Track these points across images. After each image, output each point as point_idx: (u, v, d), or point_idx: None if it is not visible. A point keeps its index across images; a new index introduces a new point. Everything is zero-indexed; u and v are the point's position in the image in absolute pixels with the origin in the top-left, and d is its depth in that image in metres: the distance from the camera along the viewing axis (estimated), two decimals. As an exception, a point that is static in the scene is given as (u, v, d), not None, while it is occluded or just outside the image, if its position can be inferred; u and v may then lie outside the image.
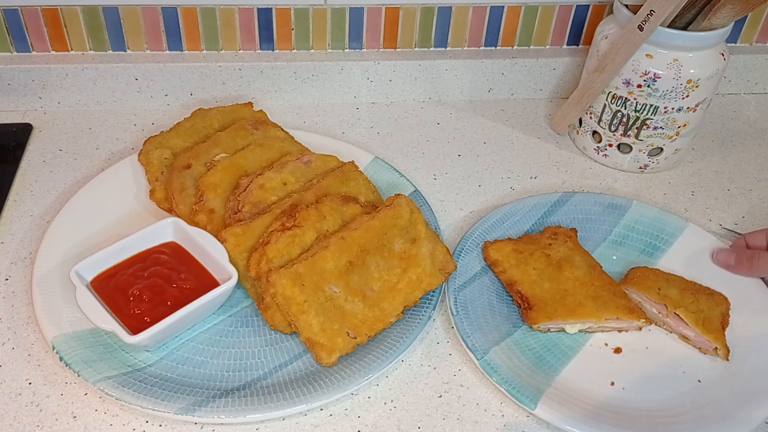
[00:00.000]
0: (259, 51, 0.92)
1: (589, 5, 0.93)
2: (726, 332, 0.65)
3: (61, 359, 0.58)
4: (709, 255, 0.73)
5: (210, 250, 0.64)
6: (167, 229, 0.67)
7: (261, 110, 0.84)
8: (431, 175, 0.84)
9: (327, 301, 0.60)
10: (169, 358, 0.60)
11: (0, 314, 0.64)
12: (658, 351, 0.65)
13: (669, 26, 0.77)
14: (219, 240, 0.65)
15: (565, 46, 0.97)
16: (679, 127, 0.82)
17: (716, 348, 0.64)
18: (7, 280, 0.67)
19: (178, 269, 0.64)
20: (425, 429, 0.58)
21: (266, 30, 0.90)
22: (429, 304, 0.65)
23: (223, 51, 0.91)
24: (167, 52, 0.90)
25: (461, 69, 0.94)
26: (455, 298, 0.66)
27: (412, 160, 0.86)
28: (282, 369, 0.60)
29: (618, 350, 0.65)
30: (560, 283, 0.67)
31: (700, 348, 0.65)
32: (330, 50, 0.93)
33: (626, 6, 0.79)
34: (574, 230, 0.73)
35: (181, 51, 0.90)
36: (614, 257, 0.73)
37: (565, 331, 0.65)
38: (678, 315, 0.65)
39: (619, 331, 0.66)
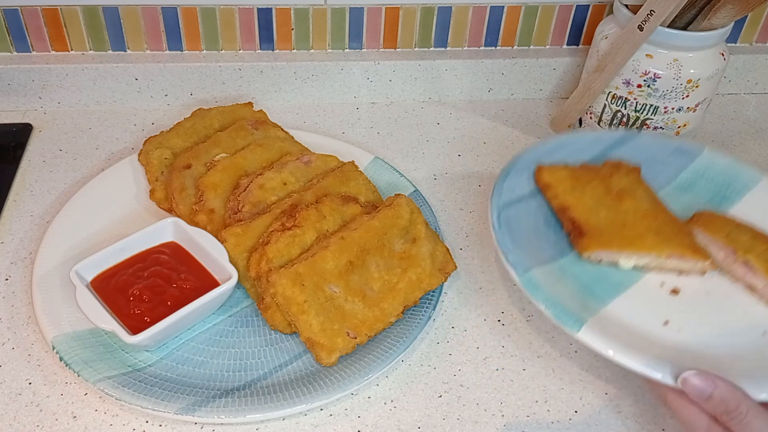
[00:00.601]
0: (259, 51, 0.92)
1: (589, 5, 0.93)
2: None
3: (61, 359, 0.58)
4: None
5: (210, 250, 0.64)
6: (167, 229, 0.67)
7: (261, 110, 0.84)
8: (431, 175, 0.84)
9: (327, 301, 0.60)
10: (169, 358, 0.60)
11: (0, 314, 0.64)
12: (721, 298, 0.60)
13: (669, 26, 0.77)
14: (219, 240, 0.65)
15: (565, 46, 0.97)
16: (679, 127, 0.82)
17: None
18: (7, 280, 0.67)
19: (178, 269, 0.64)
20: (425, 429, 0.58)
21: (266, 30, 0.90)
22: (429, 304, 0.65)
23: (223, 51, 0.91)
24: (167, 52, 0.90)
25: (461, 69, 0.94)
26: (498, 215, 0.61)
27: (412, 160, 0.86)
28: (282, 369, 0.60)
29: (675, 291, 0.60)
30: (619, 214, 0.62)
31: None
32: (330, 50, 0.93)
33: (626, 6, 0.79)
34: (638, 168, 0.68)
35: (181, 51, 0.90)
36: (679, 203, 0.68)
37: (618, 265, 0.61)
38: (748, 262, 0.60)
39: (679, 273, 0.61)
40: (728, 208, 0.69)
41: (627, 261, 0.60)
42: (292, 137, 0.81)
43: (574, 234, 0.60)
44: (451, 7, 0.90)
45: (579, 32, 0.95)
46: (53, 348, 0.59)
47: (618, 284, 0.59)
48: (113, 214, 0.73)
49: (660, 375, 0.51)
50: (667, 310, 0.58)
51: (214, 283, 0.63)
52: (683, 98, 0.79)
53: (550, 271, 0.58)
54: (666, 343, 0.55)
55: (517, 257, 0.57)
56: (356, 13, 0.89)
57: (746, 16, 0.97)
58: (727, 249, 0.62)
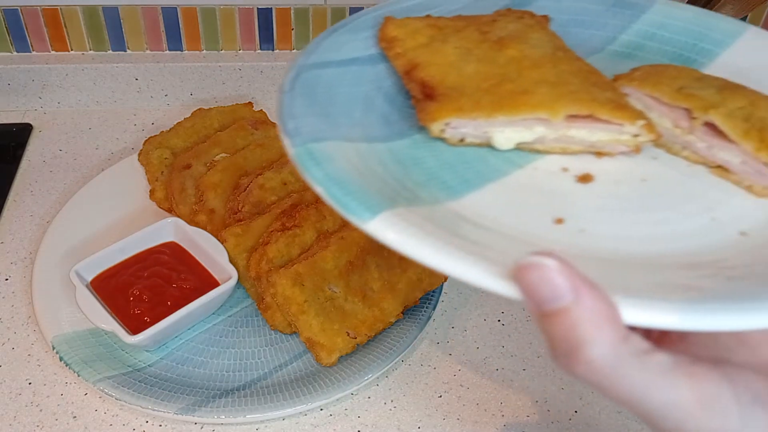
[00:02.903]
0: (259, 51, 0.92)
1: (589, 5, 0.92)
2: None
3: (61, 359, 0.58)
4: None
5: (210, 250, 0.64)
6: (167, 229, 0.67)
7: (261, 110, 0.84)
8: (431, 174, 0.84)
9: (327, 301, 0.60)
10: (169, 358, 0.60)
11: (0, 314, 0.64)
12: (668, 185, 0.39)
13: (669, 25, 0.76)
14: (219, 240, 0.65)
15: (565, 46, 0.97)
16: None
17: None
18: (7, 280, 0.67)
19: (178, 269, 0.64)
20: (425, 429, 0.58)
21: (266, 30, 0.90)
22: (429, 303, 0.65)
23: (223, 51, 0.91)
24: (167, 52, 0.90)
25: (461, 69, 0.93)
26: (296, 74, 0.40)
27: (413, 160, 0.86)
28: (282, 369, 0.60)
29: (586, 178, 0.39)
30: (496, 66, 0.41)
31: (750, 185, 0.39)
32: (330, 50, 0.93)
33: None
34: (545, 17, 0.47)
35: (181, 51, 0.90)
36: (615, 72, 0.44)
37: (491, 145, 0.39)
38: (711, 124, 0.39)
39: (597, 154, 0.40)
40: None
41: (503, 136, 0.39)
42: (292, 137, 0.80)
43: (421, 101, 0.40)
44: (451, 7, 0.90)
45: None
46: (53, 348, 0.59)
47: (488, 171, 0.39)
48: (113, 214, 0.73)
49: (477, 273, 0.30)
50: (565, 203, 0.37)
51: (214, 283, 0.63)
52: (683, 97, 0.78)
53: (365, 151, 0.38)
54: (554, 244, 0.34)
55: (302, 125, 0.36)
56: (356, 12, 0.89)
57: (746, 16, 0.97)
58: (677, 110, 0.40)
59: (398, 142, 0.40)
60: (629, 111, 0.39)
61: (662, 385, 0.30)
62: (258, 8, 0.87)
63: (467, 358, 0.63)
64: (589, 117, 0.39)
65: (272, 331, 0.63)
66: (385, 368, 0.59)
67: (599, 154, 0.40)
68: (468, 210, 0.36)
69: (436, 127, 0.39)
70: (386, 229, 0.32)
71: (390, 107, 0.42)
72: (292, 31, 0.90)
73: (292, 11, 0.88)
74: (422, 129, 0.41)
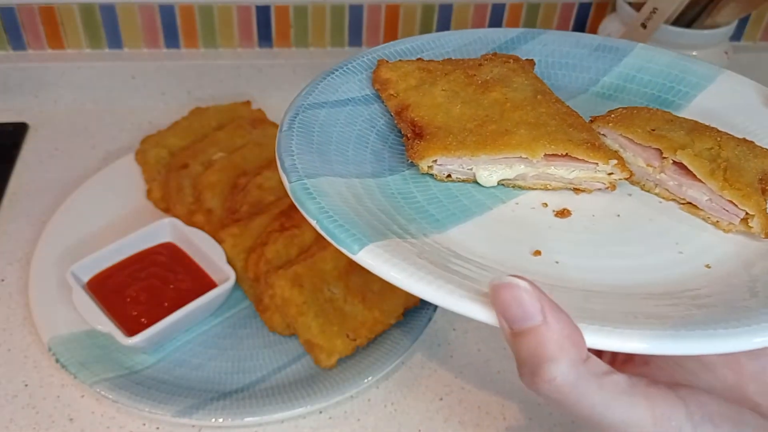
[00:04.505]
0: (257, 49, 0.91)
1: (591, 2, 0.92)
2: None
3: (57, 361, 0.58)
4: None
5: (207, 251, 0.63)
6: (164, 230, 0.66)
7: (259, 109, 0.84)
8: (431, 174, 0.83)
9: (326, 303, 0.59)
10: (166, 360, 0.60)
11: (-5, 316, 0.64)
12: (641, 220, 0.42)
13: (672, 24, 0.76)
14: (217, 240, 0.64)
15: (566, 44, 0.96)
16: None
17: (746, 216, 0.40)
18: (3, 281, 0.67)
19: (175, 270, 0.63)
20: (426, 432, 0.57)
21: (264, 28, 0.89)
22: (429, 305, 0.64)
23: (220, 49, 0.90)
24: (164, 50, 0.90)
25: (461, 67, 0.93)
26: (294, 115, 0.44)
27: (412, 159, 0.85)
28: (280, 371, 0.60)
29: (564, 213, 0.41)
30: (480, 108, 0.44)
31: (716, 221, 0.41)
32: (329, 48, 0.92)
33: (629, 3, 0.79)
34: (530, 61, 0.50)
35: (179, 49, 0.90)
36: (596, 113, 0.47)
37: (476, 181, 0.43)
38: (680, 163, 0.41)
39: (576, 190, 0.43)
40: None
41: (487, 173, 0.42)
42: (291, 136, 0.80)
43: (410, 139, 0.42)
44: (452, 5, 0.90)
45: (581, 30, 0.95)
46: (50, 350, 0.58)
47: (472, 205, 0.41)
48: (110, 215, 0.72)
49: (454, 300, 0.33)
50: (543, 236, 0.40)
51: (211, 284, 0.62)
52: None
53: (357, 186, 0.40)
54: (529, 275, 0.34)
55: (299, 162, 0.40)
56: (356, 10, 0.89)
57: (750, 14, 0.96)
58: (649, 150, 0.42)
59: (389, 177, 0.43)
60: (603, 151, 0.42)
61: (619, 404, 0.32)
62: (256, 6, 0.87)
63: (468, 360, 0.63)
64: (566, 156, 0.42)
65: (271, 333, 0.63)
66: (385, 371, 0.59)
67: (577, 190, 0.44)
68: (452, 242, 0.39)
69: (424, 164, 0.42)
70: (371, 260, 0.36)
71: (382, 144, 0.46)
72: (291, 29, 0.90)
73: (290, 9, 0.88)
74: (412, 165, 0.44)
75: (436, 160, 0.42)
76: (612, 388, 0.32)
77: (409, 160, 0.43)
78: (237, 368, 0.60)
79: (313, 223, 0.37)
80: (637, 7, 0.77)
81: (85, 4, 0.84)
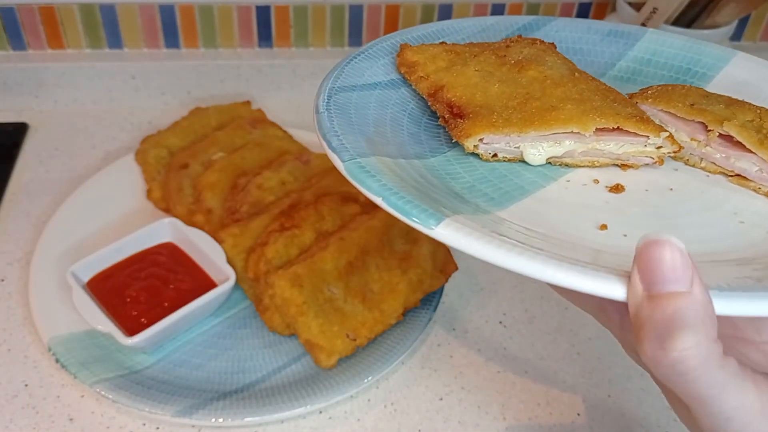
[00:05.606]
0: (257, 49, 0.91)
1: (591, 2, 0.92)
2: None
3: (57, 361, 0.57)
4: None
5: (207, 251, 0.63)
6: (164, 230, 0.66)
7: (259, 109, 0.84)
8: (431, 174, 0.83)
9: (326, 303, 0.59)
10: (166, 360, 0.60)
11: (-5, 316, 0.64)
12: (694, 193, 0.42)
13: (672, 24, 0.76)
14: (217, 240, 0.64)
15: (566, 44, 0.96)
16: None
17: None
18: (2, 281, 0.67)
19: (175, 270, 0.63)
20: (426, 432, 0.57)
21: (264, 28, 0.89)
22: (429, 305, 0.64)
23: (220, 49, 0.90)
24: (164, 50, 0.89)
25: (461, 67, 0.93)
26: (327, 97, 0.42)
27: (412, 159, 0.85)
28: (280, 371, 0.60)
29: (617, 188, 0.41)
30: (519, 86, 0.43)
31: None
32: (329, 48, 0.92)
33: (629, 3, 0.79)
34: (552, 44, 0.50)
35: (179, 49, 0.90)
36: None
37: (523, 160, 0.42)
38: (726, 135, 0.41)
39: (623, 166, 0.43)
40: None
41: (535, 151, 0.41)
42: (291, 136, 0.80)
43: (451, 120, 0.41)
44: (452, 5, 0.90)
45: (580, 30, 0.95)
46: (49, 350, 0.58)
47: (525, 184, 0.41)
48: (110, 215, 0.72)
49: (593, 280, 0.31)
50: (604, 211, 0.39)
51: (211, 285, 0.62)
52: (686, 96, 0.77)
53: (406, 166, 0.39)
54: (605, 248, 0.36)
55: (346, 141, 0.39)
56: (356, 10, 0.89)
57: (750, 14, 0.96)
58: (693, 124, 0.43)
59: (432, 159, 0.42)
60: (653, 124, 0.41)
61: (734, 388, 0.31)
62: (256, 6, 0.87)
63: (468, 360, 0.63)
64: (617, 130, 0.41)
65: (271, 333, 0.63)
66: (386, 371, 0.59)
67: (624, 166, 0.43)
68: (516, 218, 0.38)
69: (470, 143, 0.41)
70: (453, 233, 0.33)
71: (417, 127, 0.44)
72: (291, 29, 0.90)
73: (290, 9, 0.88)
74: (453, 147, 0.43)
75: (482, 139, 0.41)
76: (731, 370, 0.31)
77: (450, 142, 0.42)
78: (237, 368, 0.60)
79: (378, 200, 0.35)
80: (637, 7, 0.77)
81: (85, 4, 0.84)
